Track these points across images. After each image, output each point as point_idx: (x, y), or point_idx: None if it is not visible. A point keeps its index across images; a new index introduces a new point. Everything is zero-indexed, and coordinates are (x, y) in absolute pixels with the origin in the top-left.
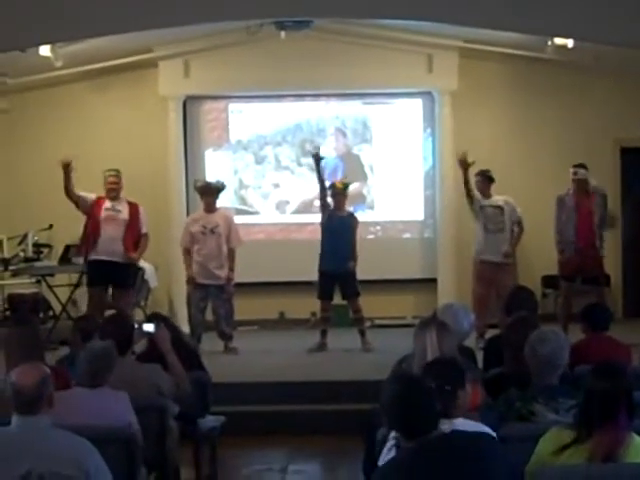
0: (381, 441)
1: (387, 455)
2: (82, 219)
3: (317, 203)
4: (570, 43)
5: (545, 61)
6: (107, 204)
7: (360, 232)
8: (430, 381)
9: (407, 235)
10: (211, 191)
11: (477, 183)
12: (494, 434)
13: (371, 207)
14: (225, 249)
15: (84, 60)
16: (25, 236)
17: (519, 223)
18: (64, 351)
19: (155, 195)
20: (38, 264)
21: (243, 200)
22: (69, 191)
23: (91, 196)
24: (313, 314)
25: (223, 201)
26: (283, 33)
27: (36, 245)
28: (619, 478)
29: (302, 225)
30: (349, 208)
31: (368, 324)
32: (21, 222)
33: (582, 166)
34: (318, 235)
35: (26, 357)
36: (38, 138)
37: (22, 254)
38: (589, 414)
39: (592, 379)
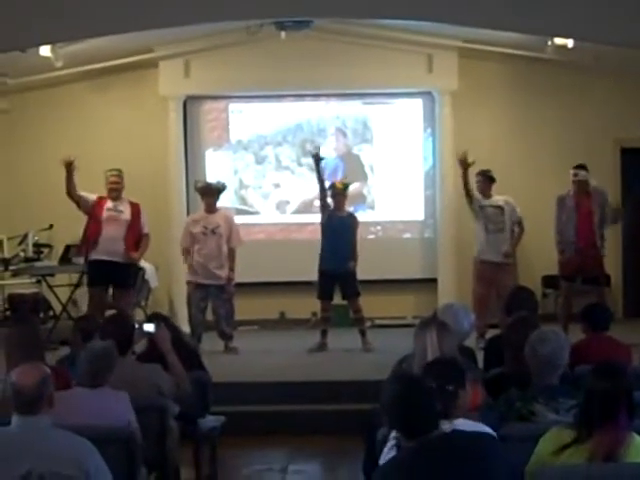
0: (381, 441)
1: (388, 455)
2: (82, 219)
3: (317, 203)
4: (570, 43)
5: (545, 61)
6: (109, 204)
7: (360, 232)
8: (431, 381)
9: (407, 235)
10: (212, 192)
11: (478, 183)
12: (494, 434)
13: (371, 207)
14: (225, 249)
15: (84, 60)
16: (25, 236)
17: (519, 223)
18: (64, 351)
19: (155, 195)
20: (38, 264)
21: (243, 200)
22: (71, 191)
23: (92, 196)
24: (313, 314)
25: (223, 201)
26: (283, 33)
27: (36, 245)
28: (619, 478)
29: (302, 225)
30: (349, 208)
31: (368, 324)
32: (21, 222)
33: (582, 167)
34: (318, 235)
35: (26, 357)
36: (38, 138)
37: (22, 254)
38: (589, 414)
39: (592, 379)
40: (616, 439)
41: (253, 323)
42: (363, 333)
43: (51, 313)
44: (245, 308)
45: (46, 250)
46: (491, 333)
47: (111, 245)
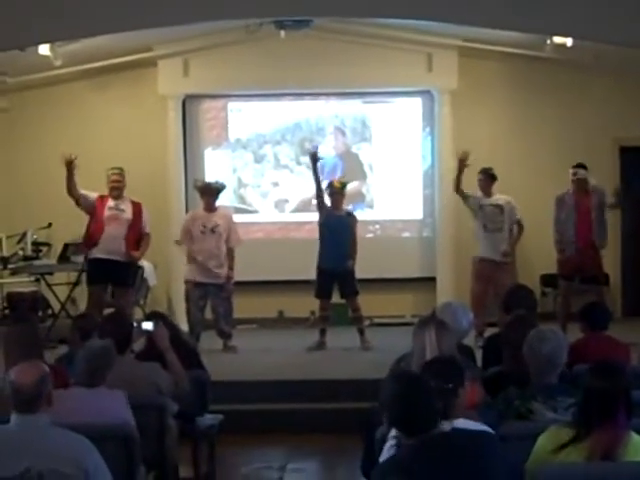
0: (380, 440)
1: (387, 453)
2: (81, 218)
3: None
4: (569, 42)
5: (544, 60)
6: (110, 203)
7: (359, 231)
8: (430, 380)
9: (406, 234)
10: (211, 191)
11: (479, 181)
12: (493, 432)
13: (370, 206)
14: (224, 248)
15: (83, 59)
16: (24, 234)
17: (519, 223)
18: (63, 350)
19: (154, 194)
20: (37, 263)
21: (242, 199)
22: (71, 189)
23: (93, 195)
24: (312, 313)
25: (222, 200)
26: (283, 32)
27: (35, 244)
28: (618, 477)
29: (301, 224)
30: (348, 207)
31: (367, 323)
32: (20, 220)
33: (582, 166)
34: (317, 234)
35: (25, 355)
36: (37, 137)
37: (21, 252)
38: (588, 413)
39: (590, 378)
40: (614, 438)
41: (252, 322)
42: (362, 332)
43: (50, 312)
44: (244, 307)
45: (45, 249)
46: (490, 332)
47: (112, 244)
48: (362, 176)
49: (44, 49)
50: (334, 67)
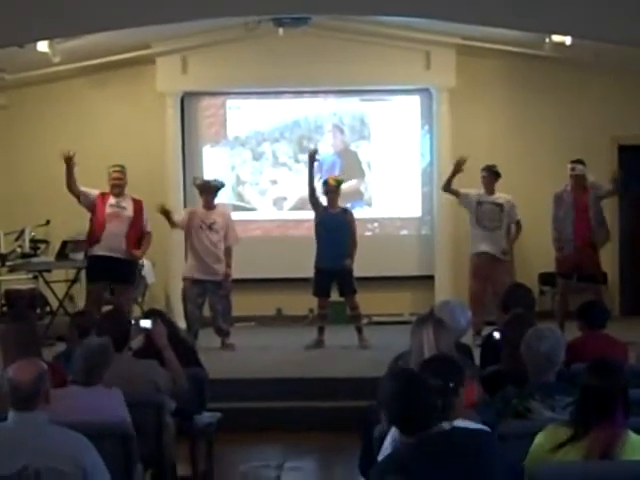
0: (378, 438)
1: (387, 451)
2: (80, 215)
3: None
4: (568, 40)
5: (543, 58)
6: (112, 200)
7: (357, 229)
8: (432, 378)
9: (404, 232)
10: (210, 189)
11: (483, 178)
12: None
13: (369, 204)
14: (222, 246)
15: (82, 56)
16: (22, 232)
17: (517, 223)
18: (61, 347)
19: (152, 191)
20: (35, 260)
21: (240, 196)
22: (71, 185)
23: (94, 192)
24: (310, 311)
25: (220, 197)
26: (281, 30)
27: (33, 241)
28: (615, 476)
29: (299, 221)
30: (347, 204)
31: (365, 321)
32: (18, 218)
33: (580, 162)
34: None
35: (23, 353)
36: (36, 134)
37: (19, 250)
38: (585, 411)
39: (588, 376)
40: (612, 437)
41: (250, 319)
42: (360, 330)
43: (48, 309)
44: (242, 304)
45: (43, 246)
46: (488, 330)
47: (113, 241)
48: (360, 174)
49: (43, 46)
50: (332, 65)
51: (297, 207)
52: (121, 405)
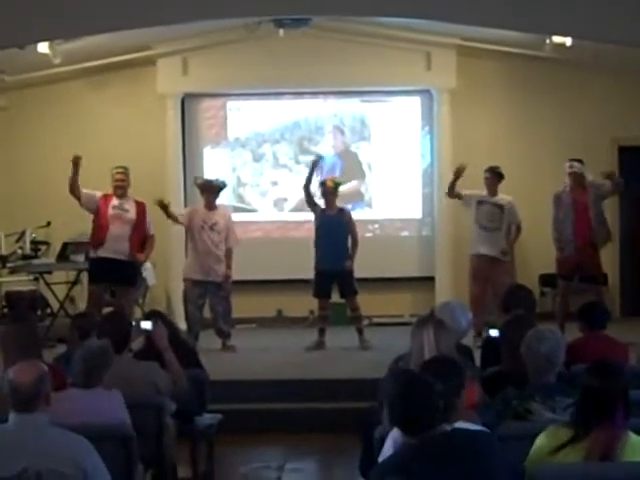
0: (379, 439)
1: (388, 452)
2: (80, 217)
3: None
4: (568, 41)
5: (543, 59)
6: (114, 202)
7: (358, 230)
8: (434, 380)
9: (405, 233)
10: (212, 189)
11: (486, 179)
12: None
13: (369, 205)
14: (223, 247)
15: (82, 57)
16: (23, 233)
17: (517, 225)
18: (62, 349)
19: (153, 192)
20: (36, 261)
21: (241, 198)
22: (74, 186)
23: (97, 194)
24: (311, 312)
25: (221, 198)
26: (281, 31)
27: (34, 242)
28: (616, 477)
29: (300, 223)
30: (347, 205)
31: (366, 322)
32: (19, 219)
33: (577, 160)
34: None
35: (23, 355)
36: (36, 135)
37: (20, 251)
38: (586, 413)
39: (588, 377)
40: (612, 438)
41: (251, 321)
42: (360, 331)
43: (48, 311)
44: (243, 306)
45: (44, 247)
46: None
47: (116, 244)
48: (361, 175)
49: (43, 47)
50: (333, 66)
51: (297, 208)
52: (121, 407)
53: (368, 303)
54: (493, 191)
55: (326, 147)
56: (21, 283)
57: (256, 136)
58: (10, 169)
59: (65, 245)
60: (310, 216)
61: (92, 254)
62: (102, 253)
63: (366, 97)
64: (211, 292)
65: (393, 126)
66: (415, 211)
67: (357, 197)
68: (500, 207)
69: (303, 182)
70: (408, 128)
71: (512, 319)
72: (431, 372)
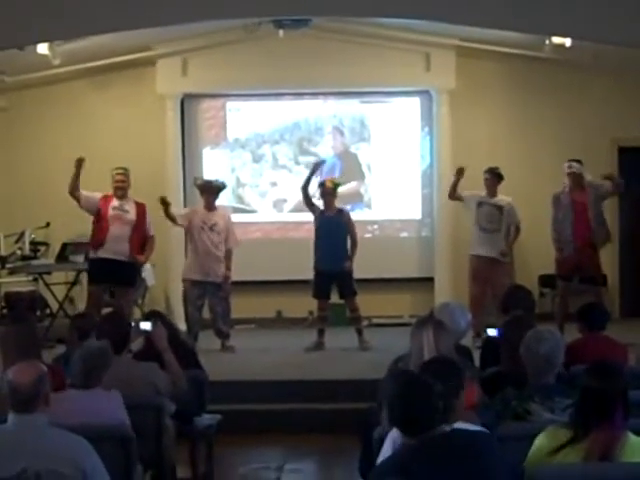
0: (378, 440)
1: (387, 452)
2: (80, 217)
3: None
4: (568, 42)
5: (543, 60)
6: (114, 203)
7: (358, 231)
8: (433, 380)
9: (404, 234)
10: (212, 189)
11: (486, 180)
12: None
13: (368, 206)
14: (223, 247)
15: (82, 58)
16: (22, 234)
17: (517, 226)
18: (61, 349)
19: (152, 193)
20: (35, 262)
21: (240, 198)
22: (74, 188)
23: (96, 195)
24: (310, 313)
25: (220, 199)
26: (281, 31)
27: (33, 243)
28: (615, 477)
29: (299, 223)
30: (347, 206)
31: (365, 323)
32: (18, 220)
33: (576, 161)
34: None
35: (23, 355)
36: (36, 136)
37: (19, 252)
38: (585, 413)
39: (587, 378)
40: (612, 439)
41: (250, 322)
42: (360, 332)
43: (48, 311)
44: (242, 307)
45: (43, 248)
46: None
47: (116, 244)
48: (360, 176)
49: (43, 48)
50: (332, 66)
51: (297, 209)
52: (120, 407)
53: (367, 304)
54: (493, 192)
55: (326, 148)
56: (20, 284)
57: (256, 137)
58: (10, 170)
59: (64, 246)
60: (309, 217)
61: (92, 255)
62: (102, 254)
63: (366, 98)
64: (210, 293)
65: (393, 127)
66: (414, 212)
67: (356, 198)
68: (499, 208)
69: (302, 185)
70: (407, 129)
71: (511, 320)
72: (430, 373)
